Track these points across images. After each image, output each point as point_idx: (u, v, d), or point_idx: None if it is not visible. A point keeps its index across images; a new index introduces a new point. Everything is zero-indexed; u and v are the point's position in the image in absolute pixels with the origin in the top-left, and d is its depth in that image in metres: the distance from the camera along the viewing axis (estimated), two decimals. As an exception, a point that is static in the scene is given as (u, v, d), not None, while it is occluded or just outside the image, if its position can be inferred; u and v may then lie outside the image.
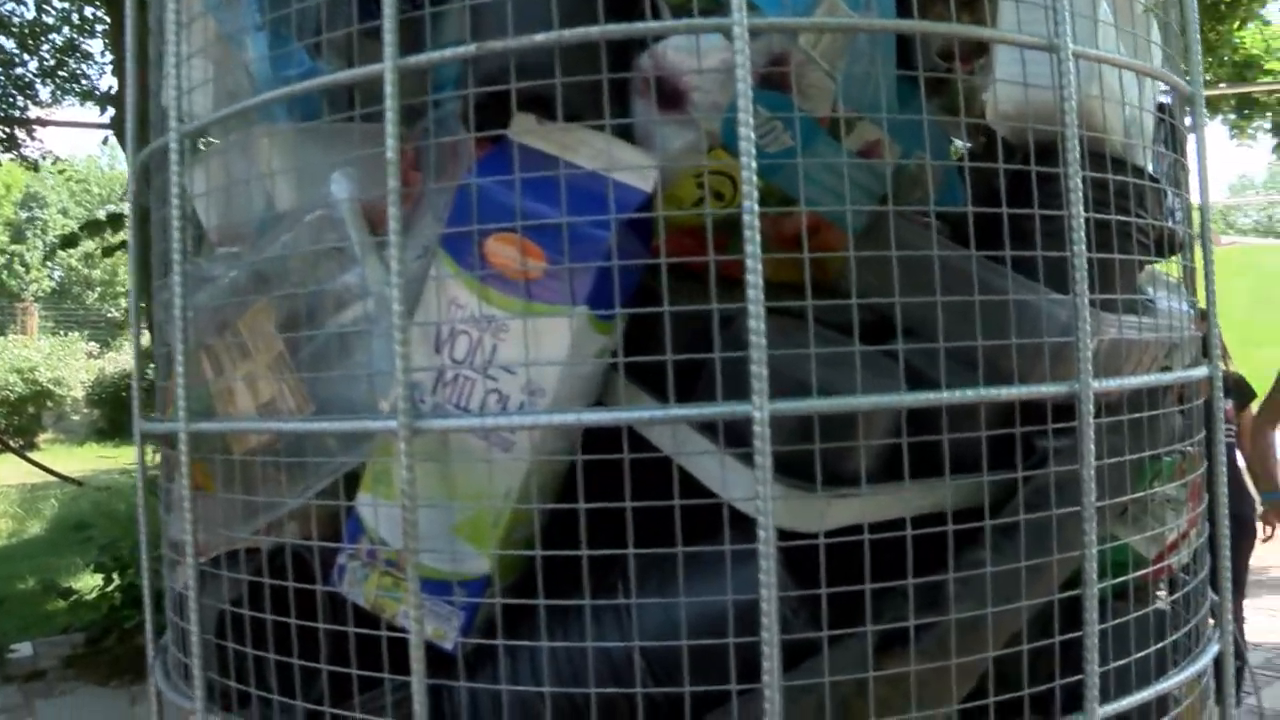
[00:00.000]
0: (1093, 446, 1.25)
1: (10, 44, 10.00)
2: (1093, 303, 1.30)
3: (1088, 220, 1.26)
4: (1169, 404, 1.50)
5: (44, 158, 11.30)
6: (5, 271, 30.79)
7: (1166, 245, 1.59)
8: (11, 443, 14.89)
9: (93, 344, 23.31)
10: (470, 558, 1.29)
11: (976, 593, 1.26)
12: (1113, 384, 1.31)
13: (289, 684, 1.38)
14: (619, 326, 1.29)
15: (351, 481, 1.39)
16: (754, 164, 1.12)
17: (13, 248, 31.27)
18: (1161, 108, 1.63)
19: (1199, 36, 1.62)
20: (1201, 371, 1.51)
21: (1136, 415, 1.39)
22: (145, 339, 2.31)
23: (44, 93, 10.64)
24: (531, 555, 1.26)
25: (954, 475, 1.27)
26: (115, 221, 7.07)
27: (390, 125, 1.23)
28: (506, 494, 1.27)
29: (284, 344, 1.44)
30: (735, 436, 1.18)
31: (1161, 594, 1.60)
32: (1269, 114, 8.01)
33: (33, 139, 10.98)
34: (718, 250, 1.19)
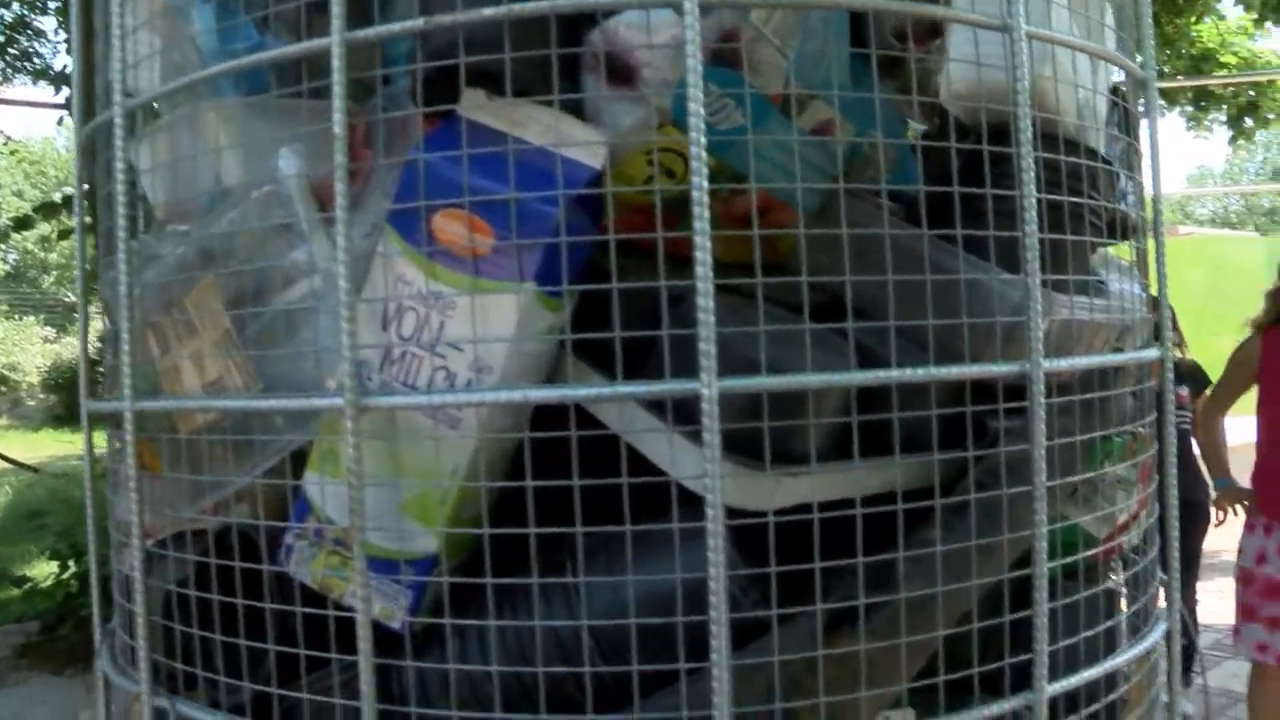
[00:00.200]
0: (1044, 426, 1.25)
1: (-44, 21, 9.80)
2: (1044, 283, 1.31)
3: (1040, 201, 1.27)
4: (1120, 385, 1.51)
5: (-4, 138, 11.09)
6: (-41, 255, 30.34)
7: (1119, 228, 1.60)
8: (-35, 429, 14.69)
9: (49, 329, 23.04)
10: (418, 536, 1.28)
11: (926, 572, 1.26)
12: (1064, 364, 1.31)
13: (236, 665, 1.37)
14: (568, 304, 1.28)
15: (299, 460, 1.38)
16: (704, 140, 1.12)
17: (-34, 231, 30.80)
18: (1115, 91, 1.64)
19: (1152, 22, 1.63)
20: (1152, 353, 1.52)
21: (1088, 396, 1.40)
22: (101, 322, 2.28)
23: (-7, 71, 10.44)
24: (479, 534, 1.24)
25: (905, 455, 1.27)
26: (71, 204, 6.97)
27: (337, 100, 1.21)
28: (454, 472, 1.26)
29: (231, 321, 1.42)
30: (684, 414, 1.18)
31: (1113, 573, 1.61)
32: (1224, 106, 8.10)
33: (-17, 119, 10.75)
34: (669, 228, 1.18)
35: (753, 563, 1.19)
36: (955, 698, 1.28)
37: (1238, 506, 3.81)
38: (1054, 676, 1.30)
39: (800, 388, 1.17)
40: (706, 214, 1.10)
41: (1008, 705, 1.27)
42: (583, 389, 1.22)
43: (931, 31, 1.55)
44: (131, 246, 1.41)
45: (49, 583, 6.09)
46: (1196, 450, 4.27)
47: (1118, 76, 1.68)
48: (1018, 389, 1.27)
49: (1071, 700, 1.35)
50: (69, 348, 19.86)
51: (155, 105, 1.61)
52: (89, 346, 1.75)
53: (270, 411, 1.36)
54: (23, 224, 7.33)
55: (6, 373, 18.38)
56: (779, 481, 1.22)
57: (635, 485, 1.16)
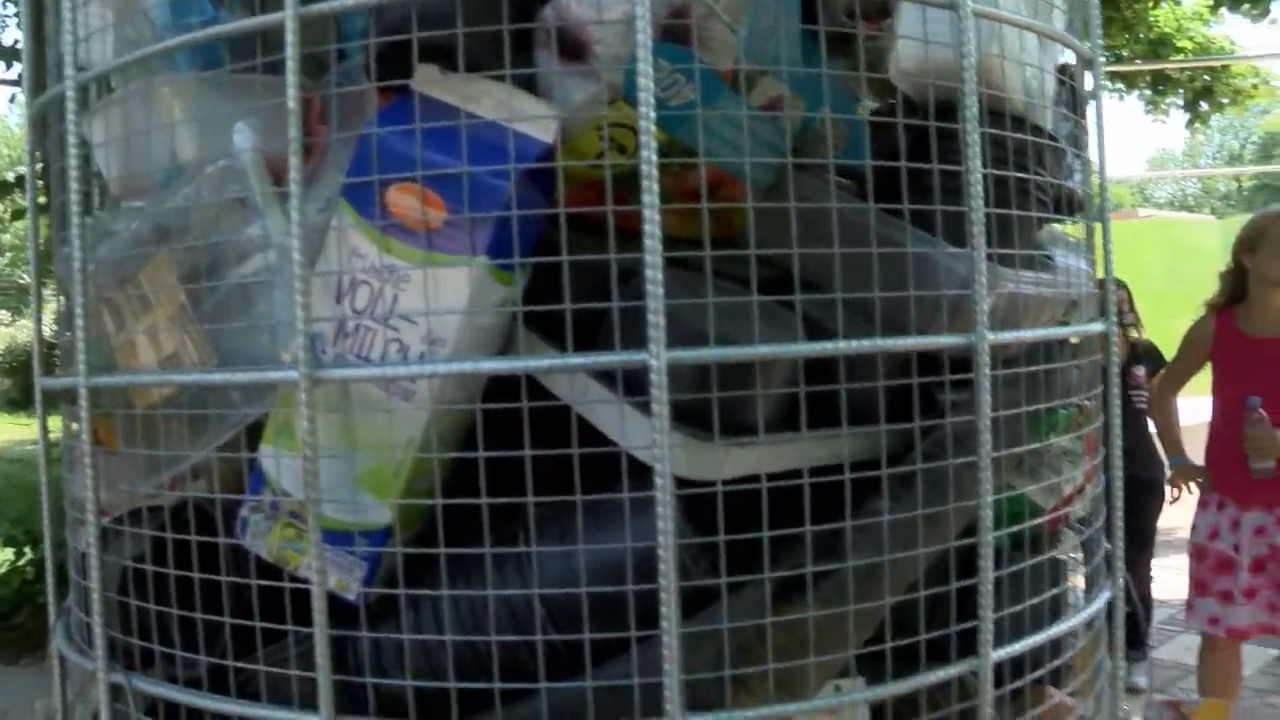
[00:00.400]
0: (989, 398, 1.28)
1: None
2: (991, 257, 1.33)
3: (986, 176, 1.29)
4: (1065, 358, 1.54)
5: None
6: (-89, 237, 29.85)
7: (1066, 204, 1.63)
8: (-79, 413, 14.51)
9: (3, 312, 22.73)
10: (372, 508, 1.29)
11: (874, 541, 1.28)
12: (1008, 337, 1.34)
13: (193, 639, 1.37)
14: (520, 278, 1.29)
15: (254, 434, 1.38)
16: (653, 115, 1.13)
17: (-82, 212, 30.27)
18: (1064, 70, 1.66)
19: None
20: (1097, 326, 1.54)
21: (1033, 368, 1.42)
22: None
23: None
24: (433, 505, 1.26)
25: (853, 427, 1.29)
26: (25, 184, 6.89)
27: (291, 75, 1.22)
28: (408, 444, 1.27)
29: (186, 296, 1.43)
30: (634, 386, 1.19)
31: (1060, 543, 1.64)
32: (1181, 91, 8.18)
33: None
34: (621, 203, 1.20)
35: (702, 532, 1.21)
36: (903, 665, 1.30)
37: (1192, 484, 3.86)
38: (1000, 643, 1.33)
39: (748, 359, 1.18)
40: (655, 188, 1.12)
41: (954, 670, 1.30)
42: (533, 360, 1.23)
43: (883, 10, 1.57)
44: (85, 222, 1.41)
45: (3, 570, 6.03)
46: (1153, 429, 4.33)
47: (1069, 57, 1.70)
48: (965, 361, 1.30)
49: (1017, 665, 1.38)
50: (24, 330, 19.56)
51: (109, 79, 1.61)
52: (44, 328, 1.74)
53: (226, 385, 1.36)
54: (-25, 204, 7.21)
55: (-41, 357, 18.13)
56: (728, 452, 1.24)
57: (586, 456, 1.18)
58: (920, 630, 1.29)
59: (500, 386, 1.25)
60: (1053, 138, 1.54)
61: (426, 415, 1.27)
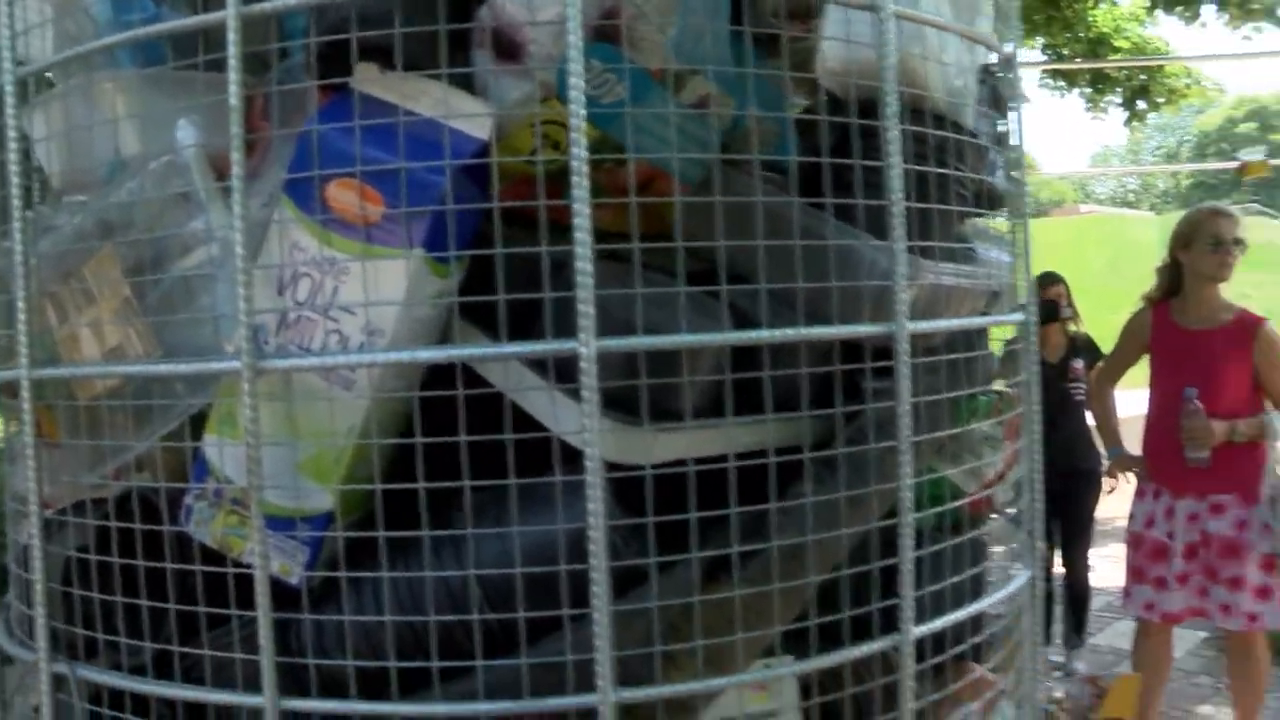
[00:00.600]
0: (909, 385, 1.33)
1: None
2: (912, 250, 1.38)
3: (907, 172, 1.35)
4: (985, 347, 1.60)
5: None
6: None
7: (987, 200, 1.69)
8: None
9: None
10: (314, 494, 1.33)
11: (798, 523, 1.33)
12: (928, 326, 1.39)
13: (137, 627, 1.40)
14: (456, 270, 1.33)
15: (198, 424, 1.41)
16: (584, 113, 1.18)
17: None
18: (987, 69, 1.72)
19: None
20: (1017, 316, 1.61)
21: (953, 356, 1.48)
22: None
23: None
24: (374, 490, 1.29)
25: (780, 413, 1.34)
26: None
27: (233, 73, 1.25)
28: (348, 431, 1.31)
29: (130, 289, 1.45)
30: (566, 374, 1.23)
31: (985, 525, 1.70)
32: (1119, 89, 8.35)
33: None
34: (556, 198, 1.24)
35: (633, 514, 1.26)
36: (830, 642, 1.36)
37: (1129, 474, 3.95)
38: (921, 620, 1.38)
39: (674, 347, 1.23)
40: (586, 184, 1.16)
41: (876, 646, 1.35)
42: (468, 349, 1.27)
43: (811, 11, 1.62)
44: (27, 216, 1.43)
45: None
46: (1091, 421, 4.42)
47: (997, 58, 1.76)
48: (887, 350, 1.35)
49: (939, 641, 1.44)
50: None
51: (47, 74, 1.62)
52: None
53: (170, 376, 1.39)
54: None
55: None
56: (656, 437, 1.29)
57: (520, 441, 1.22)
58: (844, 608, 1.35)
59: (438, 375, 1.29)
60: (973, 135, 1.60)
61: (366, 403, 1.31)
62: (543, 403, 1.28)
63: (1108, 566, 5.13)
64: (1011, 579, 1.60)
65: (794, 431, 1.39)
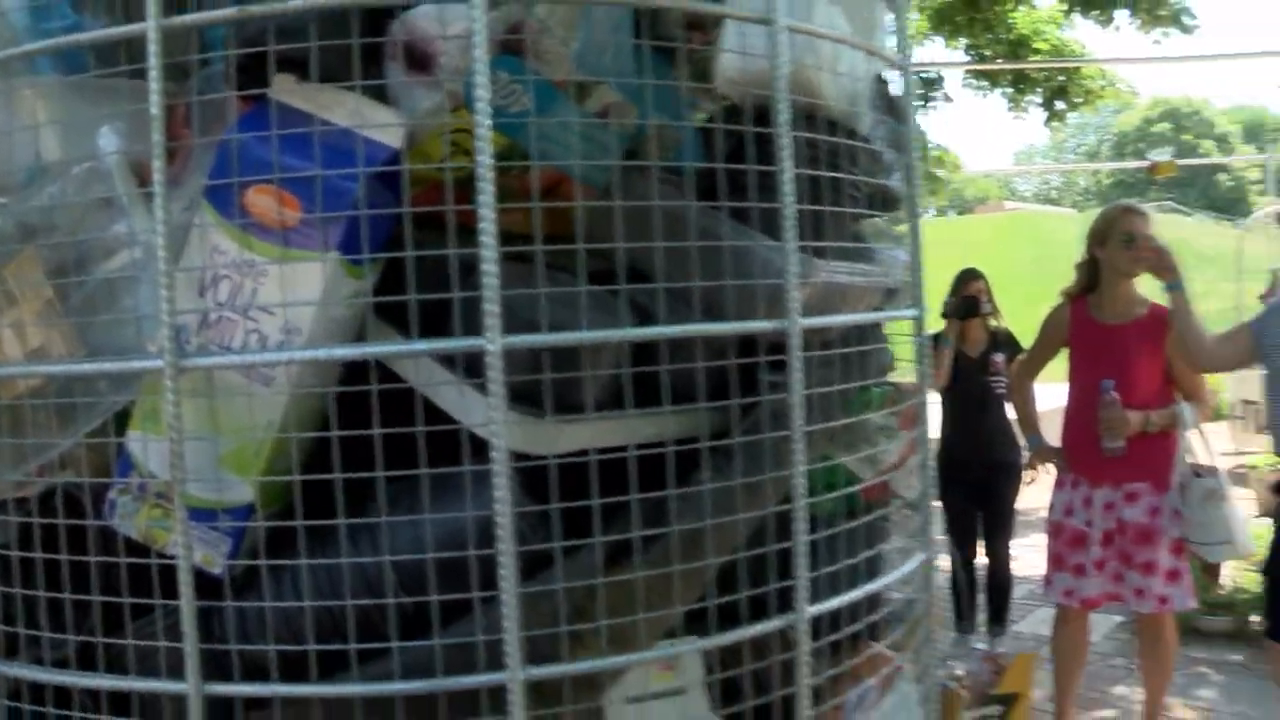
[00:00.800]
0: (801, 378, 1.41)
1: None
2: (806, 249, 1.46)
3: (801, 175, 1.42)
4: (880, 341, 1.69)
5: None
6: None
7: (881, 201, 1.77)
8: None
9: None
10: (235, 486, 1.38)
11: (696, 509, 1.41)
12: (819, 322, 1.48)
13: (61, 621, 1.44)
14: (370, 271, 1.39)
15: (121, 421, 1.46)
16: (489, 122, 1.24)
17: None
18: (881, 77, 1.81)
19: (908, 13, 1.81)
20: (911, 311, 1.70)
21: (847, 350, 1.57)
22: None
23: None
24: (292, 481, 1.35)
25: (679, 406, 1.42)
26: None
27: (154, 83, 1.30)
28: (268, 426, 1.37)
29: (53, 291, 1.49)
30: (474, 369, 1.30)
31: (884, 510, 1.79)
32: (1039, 89, 8.56)
33: None
34: (468, 203, 1.30)
35: (539, 502, 1.33)
36: (732, 623, 1.44)
37: (1049, 465, 4.01)
38: (816, 599, 1.46)
39: (576, 343, 1.31)
40: (491, 190, 1.23)
41: (774, 625, 1.43)
42: (381, 346, 1.34)
43: (710, 24, 1.70)
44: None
45: None
46: (1011, 414, 4.50)
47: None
48: (783, 345, 1.43)
49: (836, 620, 1.52)
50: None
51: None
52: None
53: (94, 375, 1.43)
54: None
55: None
56: (560, 428, 1.36)
57: (432, 434, 1.29)
58: (742, 589, 1.43)
59: (354, 371, 1.36)
60: (867, 140, 1.68)
61: (285, 399, 1.37)
62: (452, 397, 1.35)
63: (1031, 555, 5.22)
64: (907, 561, 1.69)
65: (693, 423, 1.47)
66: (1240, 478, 6.46)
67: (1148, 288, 3.73)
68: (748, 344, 1.48)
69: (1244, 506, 3.64)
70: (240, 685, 1.34)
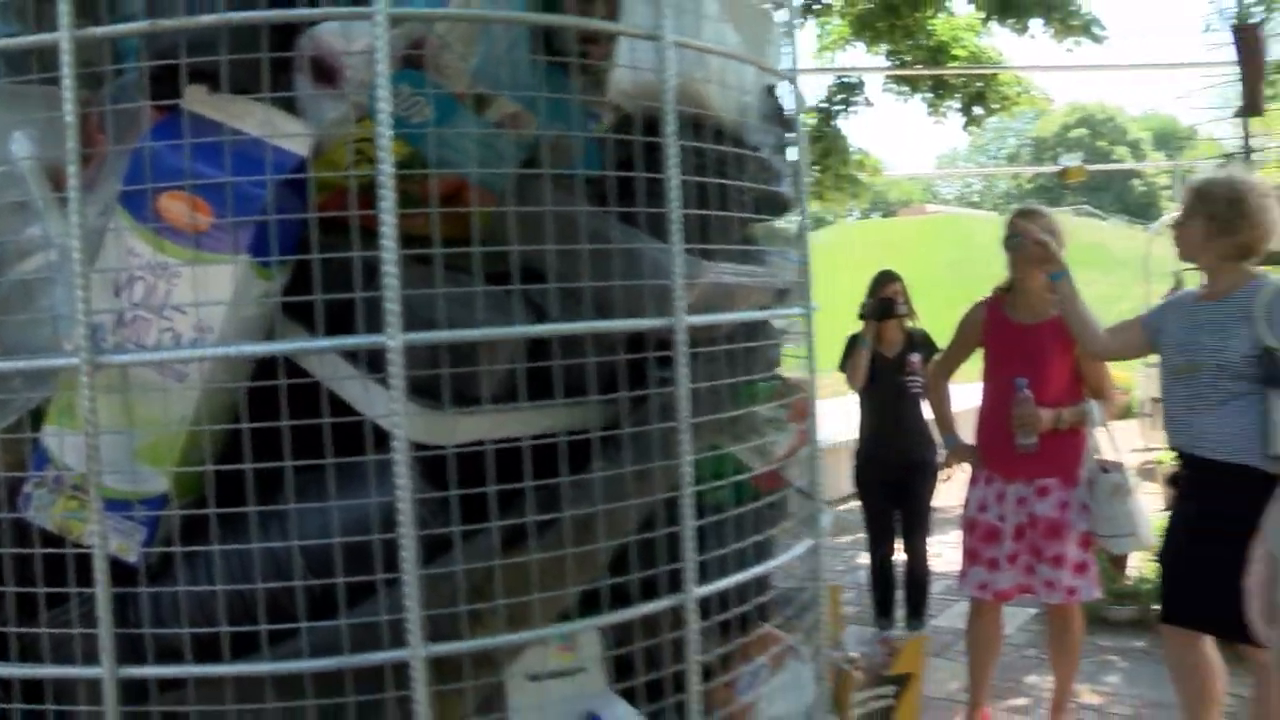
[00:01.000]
0: (687, 372, 1.51)
1: None
2: (694, 251, 1.56)
3: (688, 181, 1.52)
4: (769, 338, 1.79)
5: None
6: None
7: (770, 206, 1.88)
8: None
9: None
10: (150, 478, 1.45)
11: (588, 496, 1.51)
12: (704, 319, 1.57)
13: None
14: (279, 273, 1.47)
15: (36, 417, 1.52)
16: (390, 133, 1.33)
17: None
18: (771, 89, 1.92)
19: (798, 28, 1.91)
20: (797, 309, 1.80)
21: (733, 346, 1.67)
22: None
23: None
24: (205, 471, 1.42)
25: (575, 399, 1.51)
26: None
27: (68, 91, 1.36)
28: (181, 420, 1.44)
29: (-32, 293, 1.54)
30: (377, 364, 1.38)
31: (774, 498, 1.89)
32: (958, 95, 8.78)
33: None
34: (372, 208, 1.38)
35: (438, 489, 1.42)
36: (621, 603, 1.53)
37: (964, 463, 4.09)
38: (705, 581, 1.56)
39: (473, 340, 1.40)
40: (392, 196, 1.32)
41: (663, 604, 1.53)
42: (289, 343, 1.42)
43: (610, 38, 1.79)
44: None
45: None
46: (928, 413, 4.60)
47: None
48: (670, 341, 1.52)
49: (724, 600, 1.62)
50: None
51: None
52: None
53: (9, 373, 1.49)
54: None
55: None
56: (458, 420, 1.45)
57: (337, 425, 1.37)
58: (633, 571, 1.52)
59: (264, 367, 1.43)
60: (754, 149, 1.79)
61: (197, 394, 1.44)
62: (356, 391, 1.43)
63: (949, 551, 5.34)
64: (795, 546, 1.79)
65: (584, 415, 1.57)
66: (1148, 473, 6.66)
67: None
68: (637, 341, 1.57)
69: (1151, 501, 3.76)
70: (155, 668, 1.41)
